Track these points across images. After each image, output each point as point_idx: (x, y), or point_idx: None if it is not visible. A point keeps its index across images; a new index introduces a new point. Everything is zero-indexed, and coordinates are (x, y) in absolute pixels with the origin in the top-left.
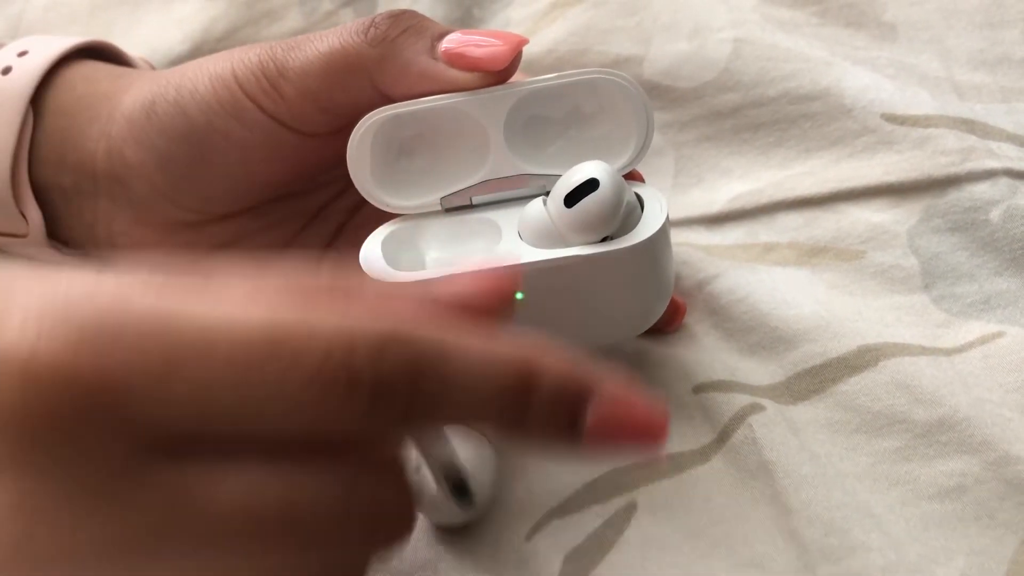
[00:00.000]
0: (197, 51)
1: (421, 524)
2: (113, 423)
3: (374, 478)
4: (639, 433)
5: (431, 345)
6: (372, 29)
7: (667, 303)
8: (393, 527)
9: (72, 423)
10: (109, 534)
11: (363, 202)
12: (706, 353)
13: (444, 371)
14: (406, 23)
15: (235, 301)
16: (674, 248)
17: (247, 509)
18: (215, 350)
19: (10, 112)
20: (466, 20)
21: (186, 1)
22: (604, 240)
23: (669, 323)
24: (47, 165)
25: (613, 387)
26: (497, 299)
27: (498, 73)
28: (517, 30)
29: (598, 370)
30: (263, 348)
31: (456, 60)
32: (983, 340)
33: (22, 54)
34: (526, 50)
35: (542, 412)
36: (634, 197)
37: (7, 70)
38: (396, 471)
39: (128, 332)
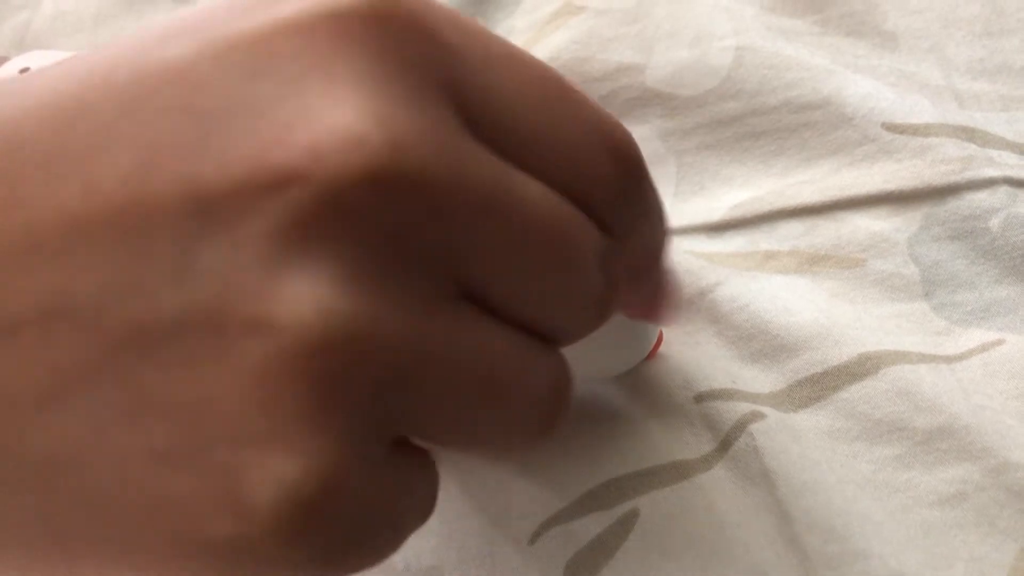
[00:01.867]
0: None
1: (426, 529)
2: (431, 69)
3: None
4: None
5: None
6: None
7: (655, 339)
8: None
9: (395, 49)
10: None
11: None
12: (708, 361)
13: (648, 175)
14: None
15: None
16: (676, 256)
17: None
18: (532, 67)
19: None
20: None
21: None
22: None
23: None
24: None
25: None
26: None
27: None
28: (520, 39)
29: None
30: (551, 82)
31: None
32: (983, 348)
33: (23, 71)
34: None
35: (657, 273)
36: None
37: None
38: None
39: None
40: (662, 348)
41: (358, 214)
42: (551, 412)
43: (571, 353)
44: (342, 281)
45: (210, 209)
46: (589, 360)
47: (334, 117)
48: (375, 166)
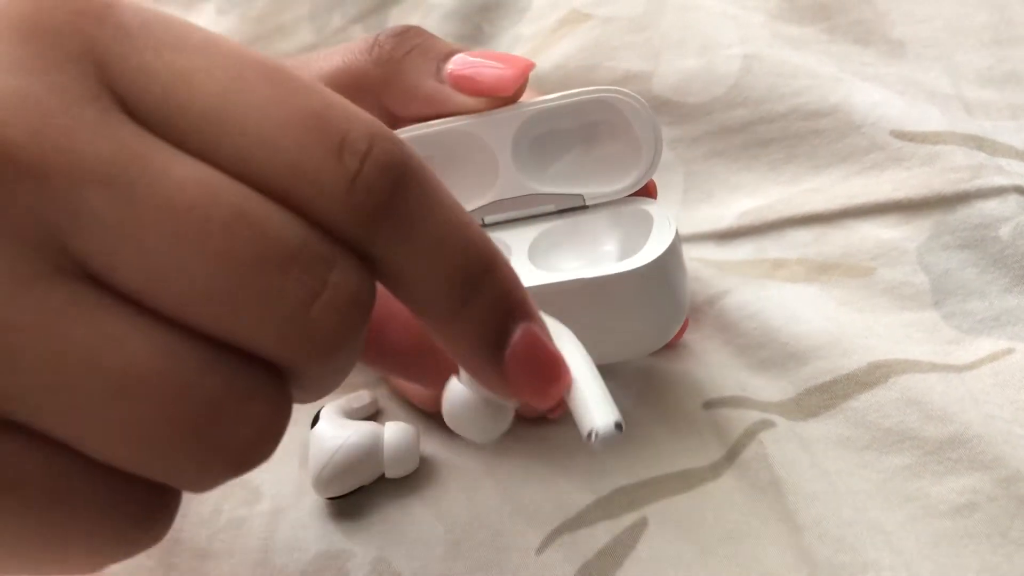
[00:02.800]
0: None
1: (433, 538)
2: (87, 51)
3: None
4: (548, 374)
5: (423, 165)
6: (376, 48)
7: (682, 321)
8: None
9: (50, 29)
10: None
11: None
12: (717, 369)
13: (427, 189)
14: (411, 42)
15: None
16: (685, 263)
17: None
18: (217, 49)
19: None
20: (476, 36)
21: (198, 16)
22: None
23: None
24: None
25: (542, 328)
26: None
27: (504, 98)
28: (527, 46)
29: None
30: (260, 72)
31: (462, 84)
32: (993, 357)
33: None
34: (536, 65)
35: (485, 303)
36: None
37: None
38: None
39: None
40: (670, 356)
41: None
42: (210, 450)
43: (597, 325)
44: None
45: None
46: (611, 334)
47: None
48: None
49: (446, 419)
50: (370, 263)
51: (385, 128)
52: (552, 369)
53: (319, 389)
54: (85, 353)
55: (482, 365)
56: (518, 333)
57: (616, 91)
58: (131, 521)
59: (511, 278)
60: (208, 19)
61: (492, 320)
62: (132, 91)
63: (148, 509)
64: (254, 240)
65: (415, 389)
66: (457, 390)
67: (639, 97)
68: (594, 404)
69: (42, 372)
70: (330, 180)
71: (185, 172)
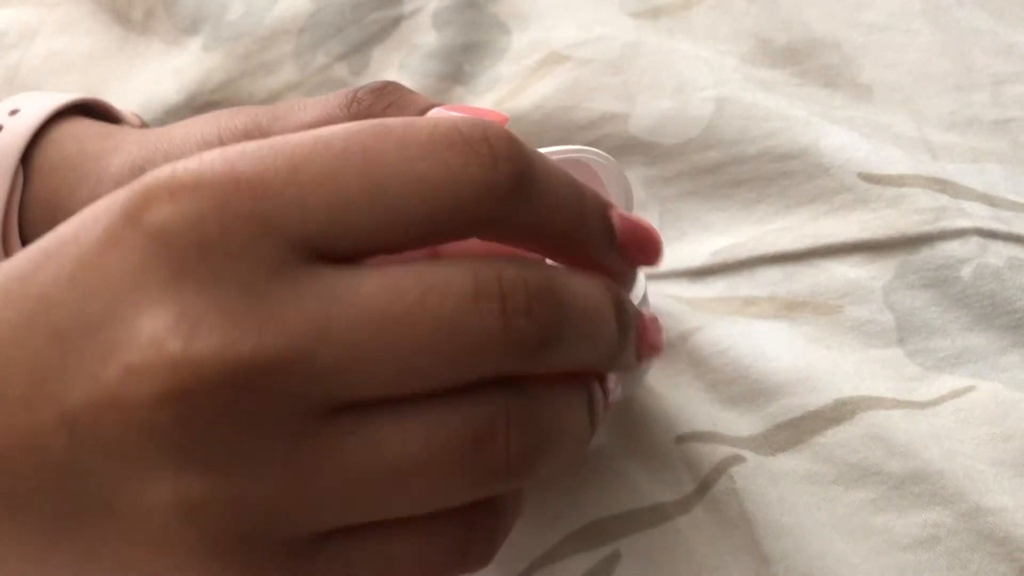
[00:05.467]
0: (192, 102)
1: None
2: (254, 221)
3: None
4: (648, 236)
5: (520, 142)
6: (355, 104)
7: (648, 371)
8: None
9: (217, 228)
10: (268, 330)
11: None
12: (689, 404)
13: (540, 166)
14: (389, 98)
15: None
16: (658, 300)
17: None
18: (333, 141)
19: (1, 172)
20: (457, 75)
21: (182, 52)
22: None
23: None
24: (38, 225)
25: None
26: None
27: None
28: (507, 86)
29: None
30: (373, 133)
31: None
32: (955, 394)
33: (13, 112)
34: (515, 105)
35: (593, 215)
36: None
37: None
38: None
39: (248, 147)
40: (643, 392)
41: (179, 419)
42: (489, 475)
43: None
44: (188, 480)
45: (75, 424)
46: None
47: (143, 333)
48: (171, 385)
49: None
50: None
51: (501, 129)
52: (647, 232)
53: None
54: (372, 465)
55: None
56: (615, 217)
57: (587, 151)
58: (454, 551)
59: (629, 307)
60: (194, 56)
61: (602, 218)
62: (306, 232)
63: (465, 539)
64: (444, 302)
65: None
66: None
67: (609, 156)
68: None
69: (348, 494)
70: (474, 178)
71: (371, 284)
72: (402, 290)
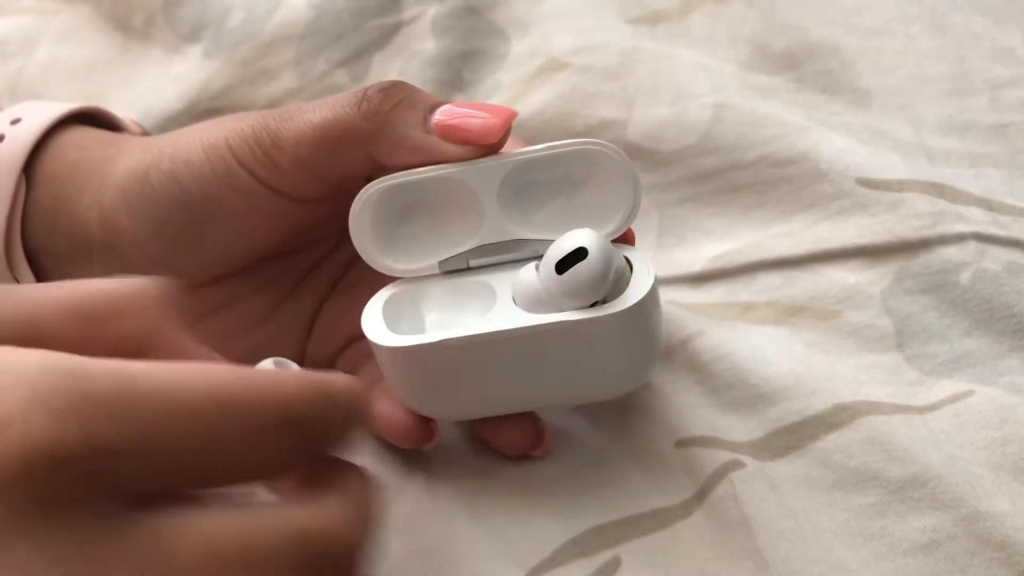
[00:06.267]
0: (192, 109)
1: (414, 575)
2: (100, 485)
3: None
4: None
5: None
6: (365, 103)
7: (658, 361)
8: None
9: (63, 490)
10: None
11: (356, 257)
12: (688, 409)
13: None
14: (398, 96)
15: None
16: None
17: (209, 545)
18: (178, 411)
19: (3, 181)
20: (456, 82)
21: (183, 60)
22: (595, 304)
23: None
24: (40, 232)
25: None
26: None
27: (490, 146)
28: (506, 93)
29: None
30: (217, 411)
31: (449, 133)
32: (954, 399)
33: (15, 121)
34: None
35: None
36: (623, 261)
37: (0, 139)
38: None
39: (105, 399)
40: (644, 396)
41: None
42: None
43: (578, 365)
44: None
45: None
46: (592, 374)
47: None
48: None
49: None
50: None
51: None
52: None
53: None
54: None
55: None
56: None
57: (597, 143)
58: None
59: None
60: (195, 62)
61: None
62: (134, 487)
63: None
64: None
65: (385, 422)
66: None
67: (619, 149)
68: None
69: None
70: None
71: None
72: (224, 558)
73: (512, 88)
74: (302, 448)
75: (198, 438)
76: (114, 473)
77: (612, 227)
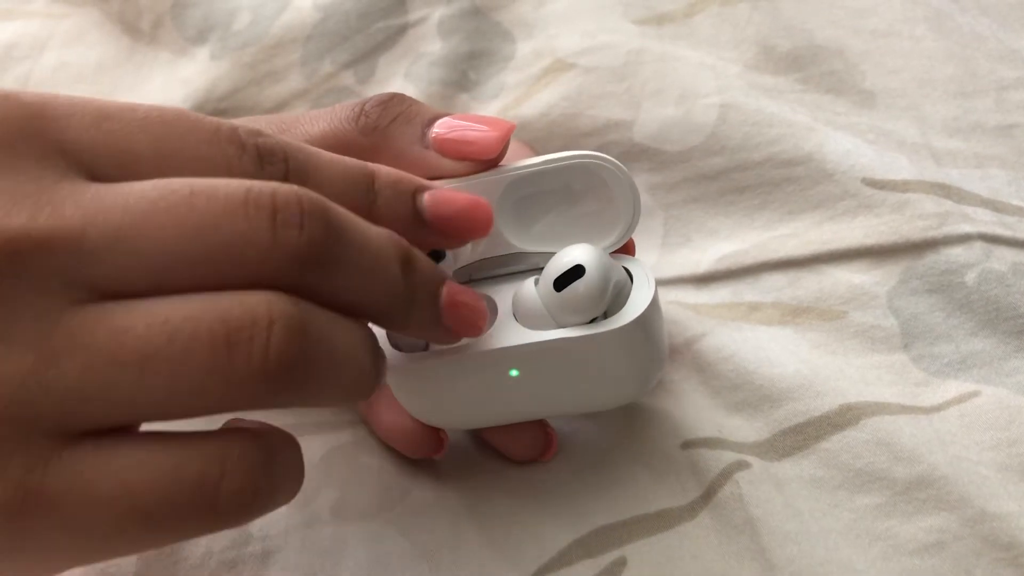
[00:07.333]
0: (199, 110)
1: (419, 575)
2: (47, 143)
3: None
4: (469, 211)
5: (292, 142)
6: (363, 118)
7: (662, 371)
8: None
9: (13, 136)
10: (42, 213)
11: None
12: (694, 410)
13: (307, 152)
14: (396, 110)
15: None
16: (664, 306)
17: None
18: (137, 110)
19: None
20: (461, 83)
21: (190, 61)
22: (595, 319)
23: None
24: None
25: (440, 187)
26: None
27: (488, 160)
28: (511, 94)
29: (424, 180)
30: (173, 115)
31: (448, 147)
32: (960, 399)
33: None
34: (520, 113)
35: (386, 193)
36: (623, 274)
37: None
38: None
39: (63, 95)
40: (649, 397)
41: None
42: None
43: (582, 379)
44: None
45: None
46: (596, 387)
47: None
48: None
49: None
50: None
51: (246, 125)
52: (475, 313)
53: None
54: (116, 352)
55: (430, 335)
56: (425, 198)
57: (596, 156)
58: (201, 483)
59: (390, 170)
60: (201, 64)
61: (400, 198)
62: (87, 160)
63: (217, 472)
64: (211, 203)
65: (393, 433)
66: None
67: (618, 162)
68: None
69: (90, 381)
70: (243, 167)
71: (146, 184)
72: (172, 189)
73: (518, 89)
74: (250, 159)
75: (154, 136)
76: (68, 138)
77: (611, 240)
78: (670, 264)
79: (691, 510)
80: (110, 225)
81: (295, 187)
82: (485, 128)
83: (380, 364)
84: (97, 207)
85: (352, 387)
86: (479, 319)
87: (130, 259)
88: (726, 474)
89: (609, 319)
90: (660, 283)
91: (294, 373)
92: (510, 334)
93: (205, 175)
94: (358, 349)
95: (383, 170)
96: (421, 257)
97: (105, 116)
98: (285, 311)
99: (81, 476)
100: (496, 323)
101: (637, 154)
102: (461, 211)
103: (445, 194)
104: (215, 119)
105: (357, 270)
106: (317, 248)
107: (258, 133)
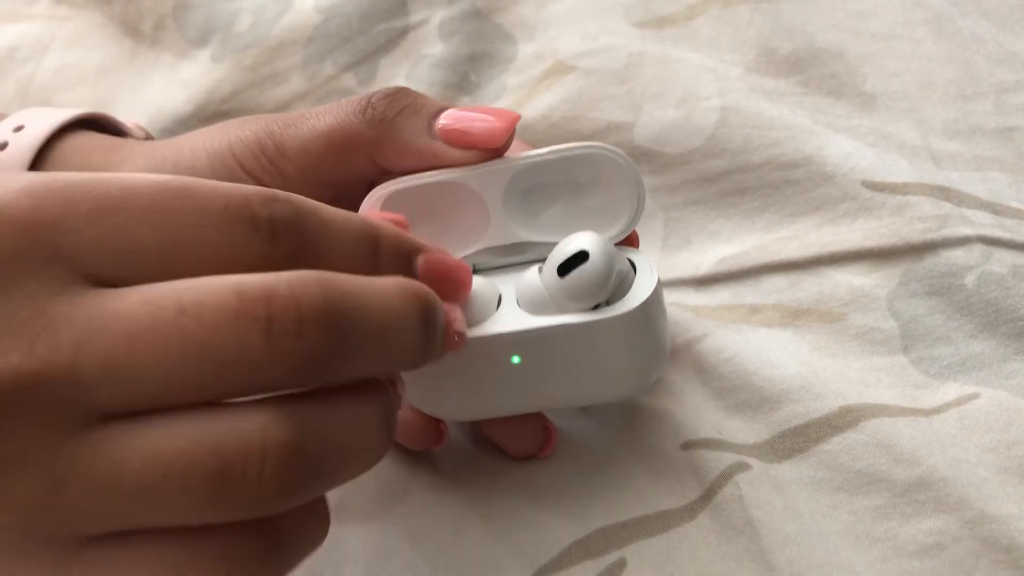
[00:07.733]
0: (201, 112)
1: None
2: (43, 253)
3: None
4: (453, 275)
5: (306, 202)
6: (369, 110)
7: (664, 364)
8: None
9: (8, 258)
10: (39, 343)
11: None
12: (694, 411)
13: (320, 217)
14: (402, 102)
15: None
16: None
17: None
18: (137, 198)
19: None
20: (463, 85)
21: (192, 63)
22: (598, 306)
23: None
24: None
25: (432, 250)
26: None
27: (494, 150)
28: (512, 96)
29: (419, 242)
30: (178, 197)
31: (454, 137)
32: (959, 401)
33: (18, 129)
34: (521, 115)
35: (388, 258)
36: (627, 264)
37: (3, 146)
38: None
39: (59, 184)
40: (650, 398)
41: None
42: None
43: (584, 368)
44: None
45: None
46: (598, 377)
47: None
48: None
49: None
50: None
51: (258, 191)
52: (451, 264)
53: None
54: (116, 477)
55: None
56: (419, 261)
57: (601, 147)
58: (216, 569)
59: (393, 231)
60: (203, 66)
61: (400, 260)
62: (87, 264)
63: (229, 556)
64: (201, 320)
65: (398, 428)
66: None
67: (623, 153)
68: None
69: (97, 503)
70: (253, 249)
71: (134, 299)
72: (160, 307)
73: (519, 91)
74: (262, 239)
75: (156, 227)
76: (67, 243)
77: (616, 230)
78: (671, 266)
79: (691, 511)
80: (102, 353)
81: (293, 284)
82: (491, 118)
83: (393, 427)
84: (89, 332)
85: (365, 466)
86: (460, 285)
87: (123, 386)
88: (726, 475)
89: (611, 306)
90: (662, 286)
91: (293, 495)
92: (513, 320)
93: (211, 264)
94: (371, 431)
95: (385, 230)
96: (437, 301)
97: (102, 211)
98: (279, 439)
99: (104, 567)
100: (499, 310)
101: (637, 156)
102: (447, 273)
103: (436, 259)
104: (226, 190)
105: (371, 348)
106: (318, 357)
107: (273, 199)
